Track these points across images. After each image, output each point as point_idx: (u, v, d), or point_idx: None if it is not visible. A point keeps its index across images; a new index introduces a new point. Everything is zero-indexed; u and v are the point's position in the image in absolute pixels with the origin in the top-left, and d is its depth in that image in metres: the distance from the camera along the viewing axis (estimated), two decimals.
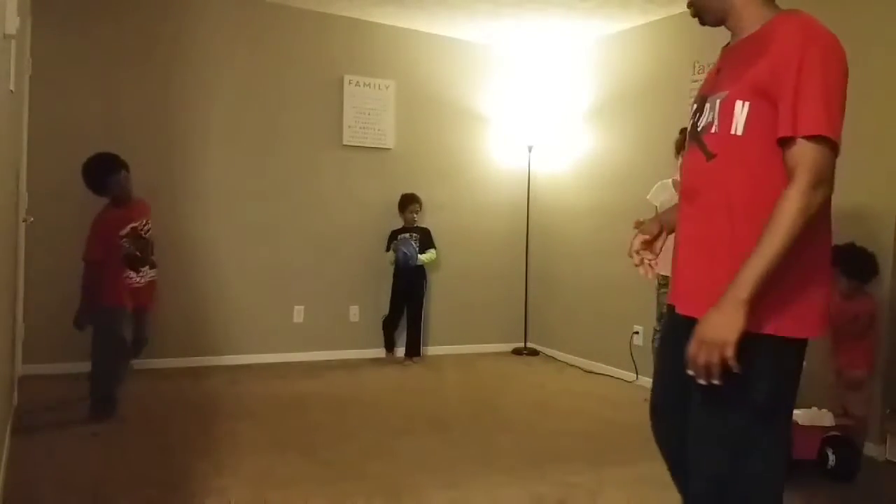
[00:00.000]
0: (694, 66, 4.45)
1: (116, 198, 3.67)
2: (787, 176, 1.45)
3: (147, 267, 3.73)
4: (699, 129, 1.62)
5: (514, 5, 4.81)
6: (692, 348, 1.47)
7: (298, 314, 5.19)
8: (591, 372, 5.18)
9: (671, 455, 1.83)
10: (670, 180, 4.05)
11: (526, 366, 5.44)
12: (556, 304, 5.73)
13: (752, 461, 1.54)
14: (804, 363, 1.58)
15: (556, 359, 5.62)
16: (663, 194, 4.05)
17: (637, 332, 4.84)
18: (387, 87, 5.43)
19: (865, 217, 3.50)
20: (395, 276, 5.32)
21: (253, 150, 5.00)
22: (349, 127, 5.31)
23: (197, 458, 3.03)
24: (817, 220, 1.47)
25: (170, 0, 4.74)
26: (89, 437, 3.24)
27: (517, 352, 5.82)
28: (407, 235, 5.29)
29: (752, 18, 1.59)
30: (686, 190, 1.68)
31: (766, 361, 1.51)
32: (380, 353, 5.39)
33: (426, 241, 5.34)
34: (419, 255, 5.24)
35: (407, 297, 5.34)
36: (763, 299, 1.46)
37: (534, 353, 5.79)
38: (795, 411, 3.00)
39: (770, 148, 1.48)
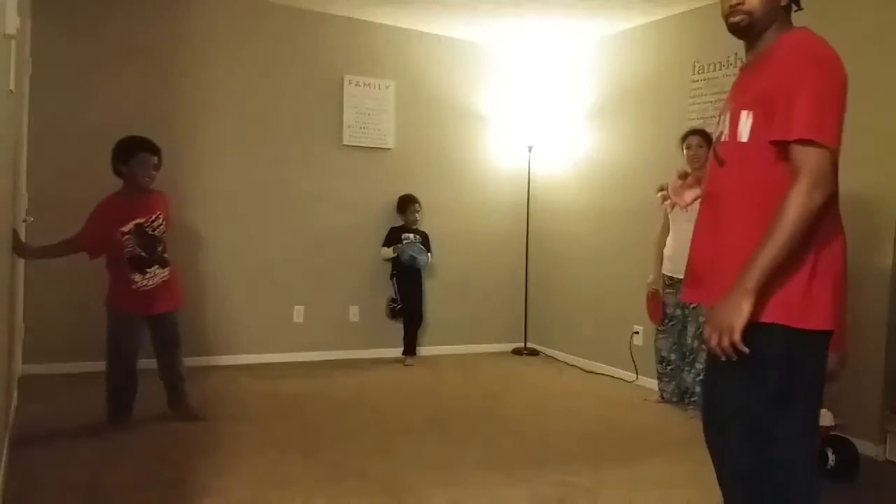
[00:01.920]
0: (694, 66, 4.44)
1: (131, 182, 3.48)
2: (792, 178, 1.58)
3: (156, 266, 3.47)
4: (716, 139, 1.84)
5: (514, 5, 4.81)
6: (706, 333, 1.65)
7: (298, 314, 5.19)
8: (591, 372, 5.18)
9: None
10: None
11: (526, 366, 5.44)
12: (556, 305, 5.73)
13: (769, 449, 1.68)
14: (824, 357, 1.71)
15: (556, 359, 5.62)
16: None
17: (637, 332, 4.84)
18: (387, 87, 5.43)
19: (865, 217, 3.50)
20: (397, 275, 5.32)
21: (253, 150, 5.00)
22: (349, 127, 5.31)
23: (197, 458, 3.03)
24: (824, 218, 1.61)
25: (170, 0, 4.74)
26: (90, 437, 3.24)
27: (517, 352, 5.82)
28: (411, 237, 5.29)
29: (770, 36, 1.74)
30: (705, 194, 1.88)
31: (776, 351, 1.66)
32: (380, 353, 5.39)
33: (425, 245, 5.35)
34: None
35: (409, 297, 5.35)
36: (773, 292, 1.62)
37: (534, 353, 5.79)
38: None
39: (773, 153, 1.63)
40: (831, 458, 3.07)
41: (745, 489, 1.73)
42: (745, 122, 1.68)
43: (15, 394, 3.62)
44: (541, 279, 5.86)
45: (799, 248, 1.60)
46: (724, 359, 1.62)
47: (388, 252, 5.28)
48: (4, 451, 2.72)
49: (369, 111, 5.37)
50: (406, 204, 5.35)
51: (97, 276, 4.46)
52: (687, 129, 4.09)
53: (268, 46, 5.03)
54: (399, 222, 5.38)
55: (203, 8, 4.84)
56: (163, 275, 3.49)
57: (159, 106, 4.69)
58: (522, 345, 5.85)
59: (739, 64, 4.12)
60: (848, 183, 3.60)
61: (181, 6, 4.77)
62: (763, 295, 1.61)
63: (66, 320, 4.41)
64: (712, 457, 1.83)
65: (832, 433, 3.13)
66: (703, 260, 1.81)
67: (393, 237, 5.31)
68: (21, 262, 4.02)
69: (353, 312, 5.38)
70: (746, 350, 1.59)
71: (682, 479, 2.97)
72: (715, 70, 4.33)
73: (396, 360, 5.30)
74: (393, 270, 5.34)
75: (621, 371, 4.98)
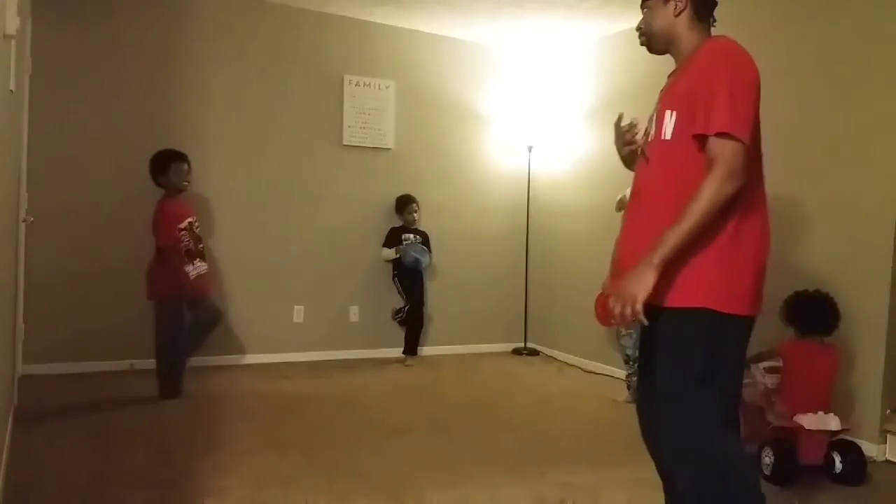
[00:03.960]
0: None
1: (172, 189, 4.06)
2: (707, 169, 1.70)
3: (198, 259, 4.10)
4: (643, 141, 1.98)
5: (514, 5, 4.81)
6: (611, 301, 1.73)
7: (298, 314, 5.19)
8: (591, 372, 5.18)
9: (656, 454, 2.02)
10: None
11: (526, 366, 5.44)
12: (556, 304, 5.73)
13: (700, 429, 1.79)
14: (746, 341, 1.82)
15: (556, 359, 5.62)
16: None
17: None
18: (387, 87, 5.43)
19: (865, 217, 3.50)
20: (398, 276, 5.32)
21: (253, 150, 5.00)
22: (349, 127, 5.31)
23: (197, 458, 3.03)
24: (749, 208, 1.75)
25: (170, 0, 4.74)
26: (89, 437, 3.24)
27: (517, 352, 5.82)
28: (411, 237, 5.29)
29: (688, 45, 1.89)
30: (633, 192, 1.98)
31: (698, 333, 1.77)
32: (380, 353, 5.39)
33: (425, 246, 5.36)
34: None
35: (410, 297, 5.35)
36: (697, 278, 1.74)
37: (534, 353, 5.79)
38: (801, 416, 3.04)
39: (693, 148, 1.75)
40: (838, 462, 3.02)
41: (685, 469, 1.82)
42: (669, 121, 1.81)
43: (15, 394, 3.62)
44: (541, 279, 5.86)
45: (717, 234, 1.72)
46: (624, 329, 1.77)
47: (390, 253, 5.28)
48: (4, 451, 2.72)
49: (369, 111, 5.37)
50: (404, 204, 5.35)
51: (97, 276, 4.49)
52: None
53: (268, 46, 5.03)
54: (398, 222, 5.38)
55: (203, 8, 4.84)
56: (203, 268, 4.14)
57: (159, 106, 4.70)
58: (522, 345, 5.85)
59: None
60: (848, 183, 3.62)
61: (181, 6, 4.77)
62: (687, 281, 1.74)
63: (66, 320, 4.41)
64: (648, 442, 1.99)
65: (839, 437, 3.10)
66: (627, 251, 1.91)
67: (393, 238, 5.31)
68: (21, 262, 4.02)
69: (353, 312, 5.38)
70: (646, 321, 1.70)
71: None
72: None
73: (396, 360, 5.30)
74: (394, 271, 5.34)
75: (621, 371, 4.97)
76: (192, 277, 4.02)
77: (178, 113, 4.75)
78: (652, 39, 1.98)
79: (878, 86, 3.46)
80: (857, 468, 3.03)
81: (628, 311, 1.69)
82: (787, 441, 3.04)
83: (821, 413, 3.04)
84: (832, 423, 3.04)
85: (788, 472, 2.98)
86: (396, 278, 5.34)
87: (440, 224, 5.58)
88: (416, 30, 5.49)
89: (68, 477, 2.75)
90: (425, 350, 5.57)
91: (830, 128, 3.69)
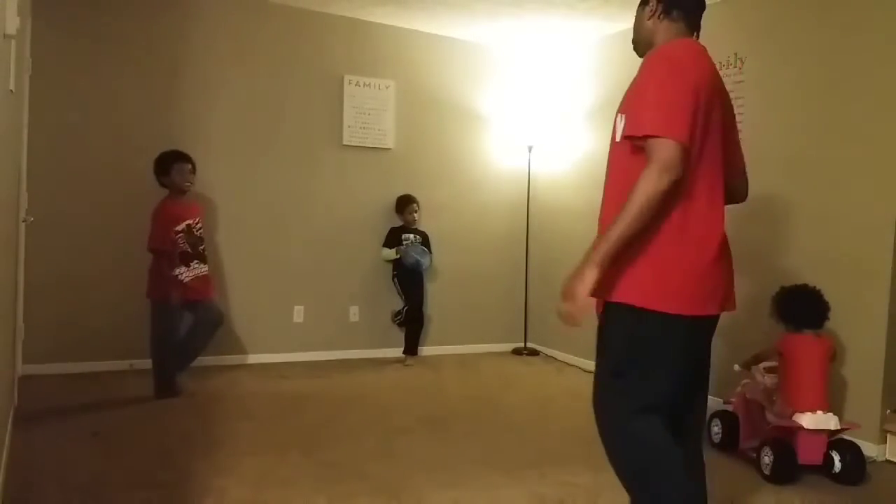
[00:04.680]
0: None
1: (176, 188, 4.08)
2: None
3: (196, 261, 4.11)
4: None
5: (514, 5, 4.81)
6: (557, 302, 1.79)
7: (298, 314, 5.19)
8: (591, 372, 5.14)
9: None
10: None
11: (526, 366, 5.44)
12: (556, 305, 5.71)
13: (610, 410, 1.91)
14: (678, 339, 1.82)
15: (556, 359, 5.62)
16: None
17: None
18: (387, 87, 5.43)
19: (865, 217, 3.50)
20: (398, 276, 5.32)
21: (253, 150, 5.00)
22: (349, 127, 5.31)
23: (197, 458, 3.03)
24: (683, 206, 1.77)
25: (170, 0, 4.74)
26: (89, 437, 3.24)
27: (517, 352, 5.82)
28: (411, 237, 5.29)
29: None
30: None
31: (617, 328, 1.86)
32: (380, 353, 5.39)
33: (425, 246, 5.35)
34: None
35: (411, 297, 5.35)
36: (626, 275, 1.79)
37: (534, 353, 5.79)
38: (800, 415, 3.04)
39: (634, 149, 1.81)
40: (837, 462, 3.04)
41: (610, 453, 1.92)
42: (619, 124, 1.87)
43: (15, 394, 3.62)
44: (541, 279, 5.86)
45: (650, 232, 1.74)
46: (570, 324, 1.79)
47: (391, 253, 5.28)
48: (5, 451, 2.72)
49: (369, 111, 5.37)
50: (404, 204, 5.35)
51: (97, 276, 4.49)
52: None
53: (268, 46, 5.03)
54: (398, 222, 5.38)
55: (203, 8, 4.84)
56: (202, 269, 4.16)
57: (159, 106, 4.70)
58: (522, 345, 5.85)
59: (739, 64, 4.15)
60: (848, 183, 3.62)
61: (181, 6, 4.77)
62: (617, 277, 1.79)
63: (66, 320, 4.41)
64: None
65: (838, 437, 3.12)
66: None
67: (393, 238, 5.31)
68: (21, 262, 4.02)
69: (353, 312, 5.38)
70: (580, 322, 1.75)
71: None
72: None
73: (396, 360, 5.30)
74: (394, 271, 5.34)
75: None
76: (185, 280, 4.03)
77: (178, 113, 4.75)
78: (636, 43, 2.07)
79: (878, 86, 3.46)
80: (856, 468, 3.03)
81: (572, 309, 1.74)
82: (786, 441, 3.05)
83: (819, 412, 3.05)
84: (831, 422, 3.05)
85: (788, 472, 3.00)
86: (396, 279, 5.34)
87: (440, 224, 5.58)
88: (416, 30, 5.49)
89: (68, 477, 2.75)
90: (425, 350, 5.57)
91: (831, 128, 3.69)
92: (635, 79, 1.88)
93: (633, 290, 1.80)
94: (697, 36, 2.00)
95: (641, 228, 1.72)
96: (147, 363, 4.12)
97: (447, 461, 3.15)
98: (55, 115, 4.41)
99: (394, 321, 5.40)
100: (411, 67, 5.53)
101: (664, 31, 1.96)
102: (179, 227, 4.04)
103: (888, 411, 3.40)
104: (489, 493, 2.78)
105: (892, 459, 3.38)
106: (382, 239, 5.34)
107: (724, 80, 4.54)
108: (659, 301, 1.78)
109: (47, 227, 4.29)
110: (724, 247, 1.87)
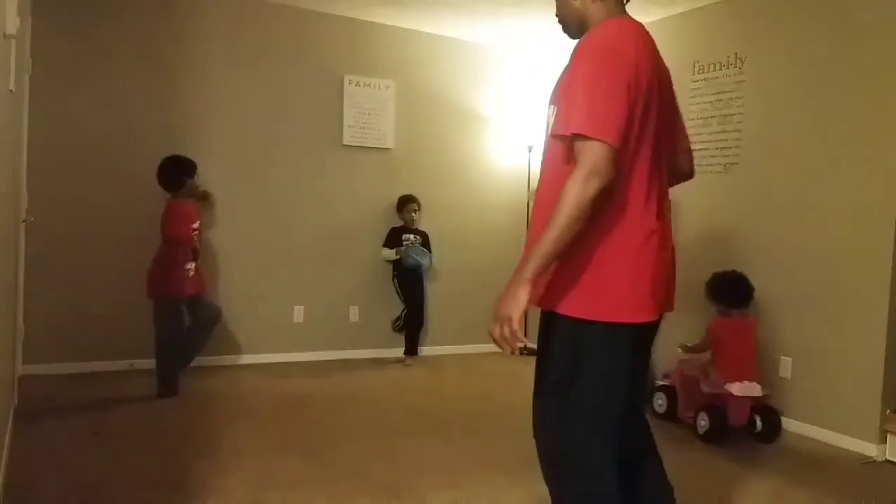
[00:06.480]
0: (694, 66, 4.44)
1: (187, 192, 4.21)
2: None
3: (195, 260, 4.22)
4: None
5: (515, 5, 4.81)
6: (490, 325, 1.62)
7: (298, 314, 5.19)
8: None
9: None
10: None
11: (526, 366, 5.40)
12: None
13: (552, 427, 1.74)
14: (620, 348, 1.67)
15: None
16: None
17: None
18: (387, 87, 5.43)
19: (865, 217, 3.50)
20: (398, 277, 5.32)
21: (253, 150, 5.00)
22: (349, 127, 5.31)
23: (197, 458, 3.03)
24: (618, 210, 1.63)
25: (170, 0, 4.74)
26: (89, 437, 3.24)
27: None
28: (411, 237, 5.29)
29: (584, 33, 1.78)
30: None
31: (560, 340, 1.71)
32: (380, 353, 5.39)
33: (425, 246, 5.35)
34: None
35: (410, 298, 5.35)
36: (562, 282, 1.65)
37: (534, 352, 5.76)
38: (730, 384, 3.51)
39: (564, 145, 1.65)
40: (759, 423, 3.55)
41: (547, 468, 1.77)
42: (551, 116, 1.73)
43: (15, 394, 3.62)
44: None
45: (584, 238, 1.59)
46: (508, 350, 1.63)
47: (391, 254, 5.27)
48: (5, 451, 2.72)
49: (369, 111, 5.37)
50: (403, 204, 5.35)
51: (97, 277, 4.49)
52: None
53: (268, 46, 5.03)
54: (399, 222, 5.38)
55: (203, 8, 4.83)
56: (194, 266, 4.21)
57: (159, 106, 4.69)
58: (523, 345, 5.83)
59: (739, 64, 4.15)
60: (848, 183, 3.62)
61: (181, 6, 4.76)
62: (553, 285, 1.66)
63: (66, 320, 4.41)
64: None
65: (761, 403, 3.60)
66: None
67: (393, 238, 5.31)
68: (21, 262, 4.02)
69: (353, 312, 5.38)
70: (524, 341, 1.63)
71: (681, 477, 2.96)
72: (715, 70, 4.33)
73: (396, 360, 5.30)
74: (394, 272, 5.34)
75: None
76: (191, 276, 4.12)
77: (178, 112, 4.75)
78: (564, 25, 1.89)
79: (878, 86, 3.46)
80: (773, 428, 3.57)
81: (506, 332, 1.59)
82: (719, 406, 3.57)
83: (746, 382, 3.55)
84: (756, 389, 3.56)
85: (720, 433, 3.52)
86: (396, 279, 5.33)
87: (440, 224, 5.58)
88: (417, 30, 5.49)
89: (68, 477, 2.75)
90: (425, 350, 5.57)
91: (831, 128, 3.69)
92: (567, 67, 1.72)
93: (568, 300, 1.66)
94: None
95: (573, 238, 1.56)
96: (147, 363, 4.13)
97: (447, 461, 3.15)
98: (55, 115, 4.41)
99: (393, 328, 5.41)
100: (411, 67, 5.53)
101: (595, 9, 1.78)
102: (195, 225, 4.20)
103: (888, 411, 3.41)
104: (489, 494, 2.78)
105: (892, 459, 3.38)
106: (382, 239, 5.34)
107: (724, 80, 4.56)
108: (601, 310, 1.64)
109: (47, 227, 4.29)
110: (663, 247, 1.72)
